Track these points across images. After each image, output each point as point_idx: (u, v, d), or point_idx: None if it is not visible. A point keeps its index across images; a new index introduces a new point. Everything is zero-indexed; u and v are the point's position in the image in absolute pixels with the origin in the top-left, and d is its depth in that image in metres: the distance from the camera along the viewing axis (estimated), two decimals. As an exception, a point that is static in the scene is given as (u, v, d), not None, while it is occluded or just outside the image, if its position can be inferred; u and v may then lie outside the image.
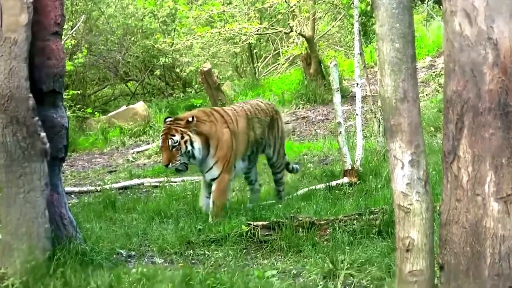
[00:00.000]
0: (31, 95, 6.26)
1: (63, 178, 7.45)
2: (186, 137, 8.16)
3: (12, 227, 6.26)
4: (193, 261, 6.83)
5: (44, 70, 6.54)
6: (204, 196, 8.64)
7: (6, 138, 6.23)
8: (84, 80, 21.68)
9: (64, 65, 6.77)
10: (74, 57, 18.73)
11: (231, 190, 8.97)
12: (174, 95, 21.56)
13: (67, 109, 9.24)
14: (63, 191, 6.85)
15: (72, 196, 10.11)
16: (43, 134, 6.29)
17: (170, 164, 8.16)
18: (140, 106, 17.86)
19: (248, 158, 8.99)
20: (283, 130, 9.59)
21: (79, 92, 19.08)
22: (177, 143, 8.13)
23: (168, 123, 8.33)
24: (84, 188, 10.72)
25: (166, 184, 10.87)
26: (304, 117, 16.53)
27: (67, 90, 16.62)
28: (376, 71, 13.63)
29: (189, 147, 8.17)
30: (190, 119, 8.20)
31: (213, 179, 8.39)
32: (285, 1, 17.24)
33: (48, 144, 6.32)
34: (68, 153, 7.08)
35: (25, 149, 6.23)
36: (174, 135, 8.14)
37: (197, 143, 8.20)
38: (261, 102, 9.48)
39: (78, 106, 17.87)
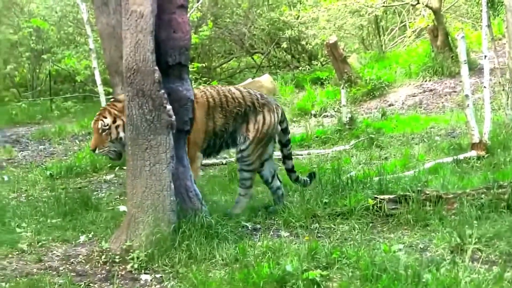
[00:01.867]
0: (157, 68, 6.29)
1: (188, 151, 7.46)
2: (119, 122, 7.09)
3: (137, 200, 6.32)
4: (319, 235, 6.74)
5: (170, 43, 6.54)
6: None
7: (132, 111, 6.29)
8: (210, 53, 21.91)
9: (190, 38, 6.77)
10: (199, 30, 18.90)
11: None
12: (300, 68, 21.45)
13: (192, 82, 9.25)
14: (188, 164, 6.87)
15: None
16: (169, 106, 6.32)
17: (97, 149, 7.21)
18: (266, 79, 17.89)
19: (204, 152, 7.71)
20: (271, 127, 7.80)
21: (204, 65, 19.29)
22: (107, 127, 7.13)
23: (107, 104, 7.34)
24: (210, 161, 10.78)
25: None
26: (431, 90, 16.16)
27: (192, 63, 16.79)
28: (504, 43, 13.14)
29: (121, 134, 7.08)
30: None
31: None
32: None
33: (174, 117, 6.34)
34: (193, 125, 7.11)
35: (151, 122, 6.28)
36: (106, 117, 7.13)
37: None
38: (238, 90, 7.89)
39: (204, 79, 18.05)
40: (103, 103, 12.65)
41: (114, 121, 7.06)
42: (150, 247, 6.12)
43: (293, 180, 8.21)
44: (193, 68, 16.84)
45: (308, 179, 8.21)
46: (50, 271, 6.12)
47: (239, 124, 7.66)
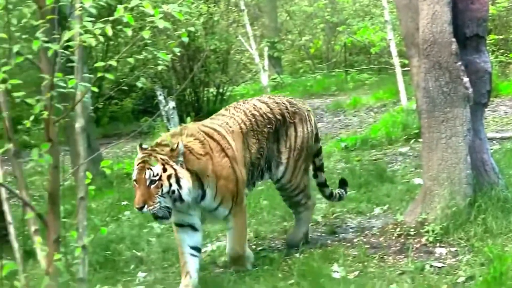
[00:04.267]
0: (454, 39, 6.21)
1: (485, 123, 7.27)
2: (170, 171, 5.53)
3: (433, 172, 6.31)
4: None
5: (467, 14, 6.42)
6: (187, 252, 5.75)
7: (428, 83, 6.27)
8: (508, 25, 20.98)
9: (487, 9, 6.60)
10: (496, 1, 18.19)
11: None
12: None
13: (490, 53, 8.98)
14: (485, 137, 6.72)
15: (494, 142, 9.86)
16: (466, 79, 6.22)
17: (146, 206, 5.45)
18: None
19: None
20: (306, 137, 6.49)
21: (502, 37, 18.56)
22: (157, 177, 5.51)
23: (150, 147, 5.77)
24: (507, 134, 10.42)
25: None
26: None
27: (489, 35, 16.23)
28: None
29: (174, 186, 5.53)
30: (176, 145, 5.57)
31: (226, 217, 5.98)
32: None
33: (470, 89, 6.23)
34: (490, 98, 6.92)
35: (448, 94, 6.22)
36: (154, 165, 5.52)
37: (186, 181, 5.57)
38: (264, 101, 6.44)
39: (501, 51, 17.40)
40: (399, 75, 12.67)
41: (164, 170, 5.50)
42: (445, 220, 6.09)
43: (326, 196, 6.87)
44: (490, 40, 16.28)
45: (343, 191, 6.91)
46: (344, 243, 6.31)
47: (271, 145, 6.35)
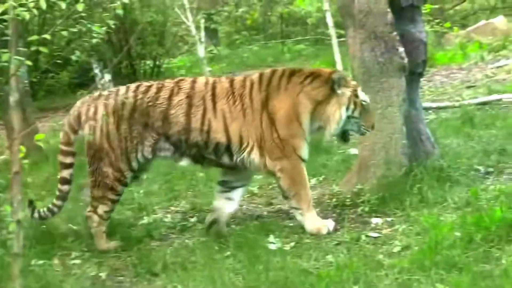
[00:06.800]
0: (389, 10, 6.22)
1: (421, 93, 7.32)
2: None
3: (369, 142, 6.33)
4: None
5: (402, -16, 6.43)
6: None
7: (364, 53, 6.28)
8: (445, -6, 21.23)
9: (423, -21, 6.61)
10: (432, -30, 18.38)
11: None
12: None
13: (425, 23, 9.02)
14: (420, 106, 6.77)
15: (430, 111, 9.94)
16: (401, 49, 6.25)
17: None
18: (499, 21, 17.15)
19: None
20: None
21: (437, 6, 18.75)
22: None
23: None
24: (442, 104, 10.52)
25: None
26: None
27: (425, 5, 16.38)
28: None
29: None
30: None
31: None
32: None
33: (406, 59, 6.26)
34: (426, 68, 6.95)
35: (383, 64, 6.25)
36: None
37: None
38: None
39: (437, 20, 17.57)
40: (335, 46, 12.67)
41: None
42: (381, 191, 6.11)
43: None
44: (426, 10, 16.41)
45: None
46: (281, 214, 6.31)
47: None
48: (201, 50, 15.17)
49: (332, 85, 5.74)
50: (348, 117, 5.77)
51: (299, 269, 4.95)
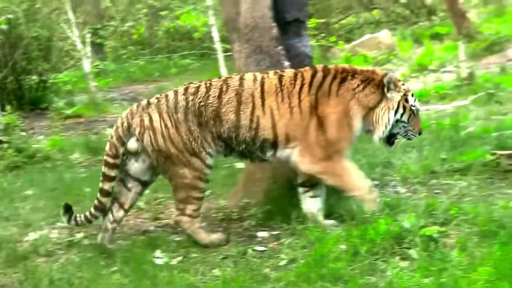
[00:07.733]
0: (274, 24, 6.24)
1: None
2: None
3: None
4: (436, 191, 6.58)
5: (287, -1, 6.48)
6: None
7: (249, 67, 6.28)
8: (329, 9, 21.61)
9: (308, -6, 6.68)
10: (312, -13, 18.69)
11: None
12: (419, 23, 20.94)
13: (311, 38, 9.14)
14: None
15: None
16: (286, 63, 6.28)
17: None
18: (384, 35, 17.60)
19: None
20: None
21: (323, 20, 19.07)
22: None
23: None
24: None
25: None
26: None
27: (310, 19, 16.63)
28: None
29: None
30: None
31: None
32: None
33: (291, 73, 6.28)
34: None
35: (268, 78, 6.23)
36: None
37: None
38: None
39: (322, 34, 17.88)
40: (221, 60, 12.71)
41: None
42: (267, 204, 6.13)
43: None
44: (311, 24, 16.67)
45: None
46: (167, 229, 6.26)
47: None
48: (86, 65, 15.05)
49: (383, 89, 5.82)
50: (397, 121, 5.87)
51: (186, 283, 4.95)
